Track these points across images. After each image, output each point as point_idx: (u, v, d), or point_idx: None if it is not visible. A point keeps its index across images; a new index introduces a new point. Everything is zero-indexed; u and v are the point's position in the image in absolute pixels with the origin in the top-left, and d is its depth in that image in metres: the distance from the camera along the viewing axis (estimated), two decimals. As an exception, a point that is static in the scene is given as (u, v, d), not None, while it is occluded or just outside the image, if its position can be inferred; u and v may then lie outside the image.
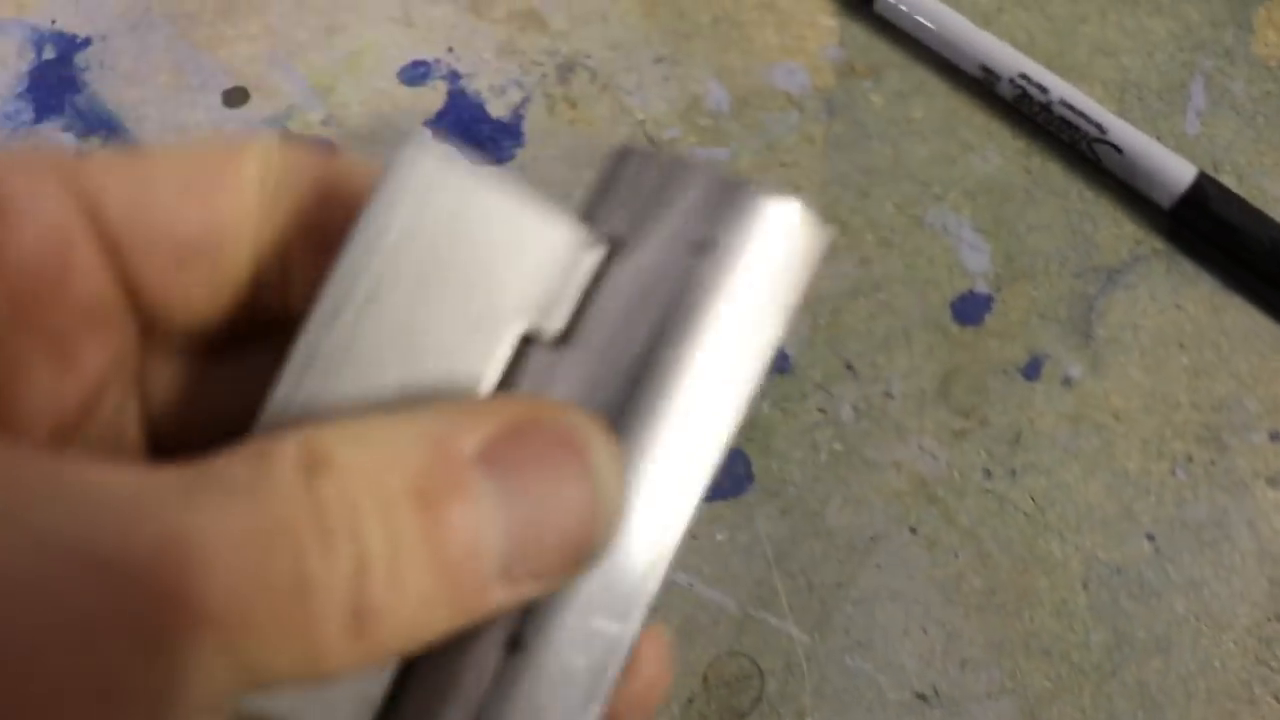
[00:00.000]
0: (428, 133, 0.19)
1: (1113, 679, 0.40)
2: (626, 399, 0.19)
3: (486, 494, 0.17)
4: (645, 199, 0.20)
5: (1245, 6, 0.50)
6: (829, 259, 0.43)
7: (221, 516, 0.16)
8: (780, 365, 0.43)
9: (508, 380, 0.20)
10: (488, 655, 0.19)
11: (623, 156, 0.21)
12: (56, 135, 0.47)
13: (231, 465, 0.16)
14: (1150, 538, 0.42)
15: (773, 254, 0.19)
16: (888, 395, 0.43)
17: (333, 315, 0.19)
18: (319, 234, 0.21)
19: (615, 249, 0.20)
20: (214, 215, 0.21)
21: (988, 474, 0.42)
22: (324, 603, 0.16)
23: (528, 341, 0.20)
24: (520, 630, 0.19)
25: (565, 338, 0.20)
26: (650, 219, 0.20)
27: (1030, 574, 0.41)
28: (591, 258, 0.20)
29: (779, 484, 0.42)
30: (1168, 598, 0.41)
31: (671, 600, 0.40)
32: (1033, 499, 0.42)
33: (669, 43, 0.48)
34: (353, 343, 0.19)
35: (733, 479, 0.42)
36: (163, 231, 0.21)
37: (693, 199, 0.20)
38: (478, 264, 0.19)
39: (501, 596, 0.18)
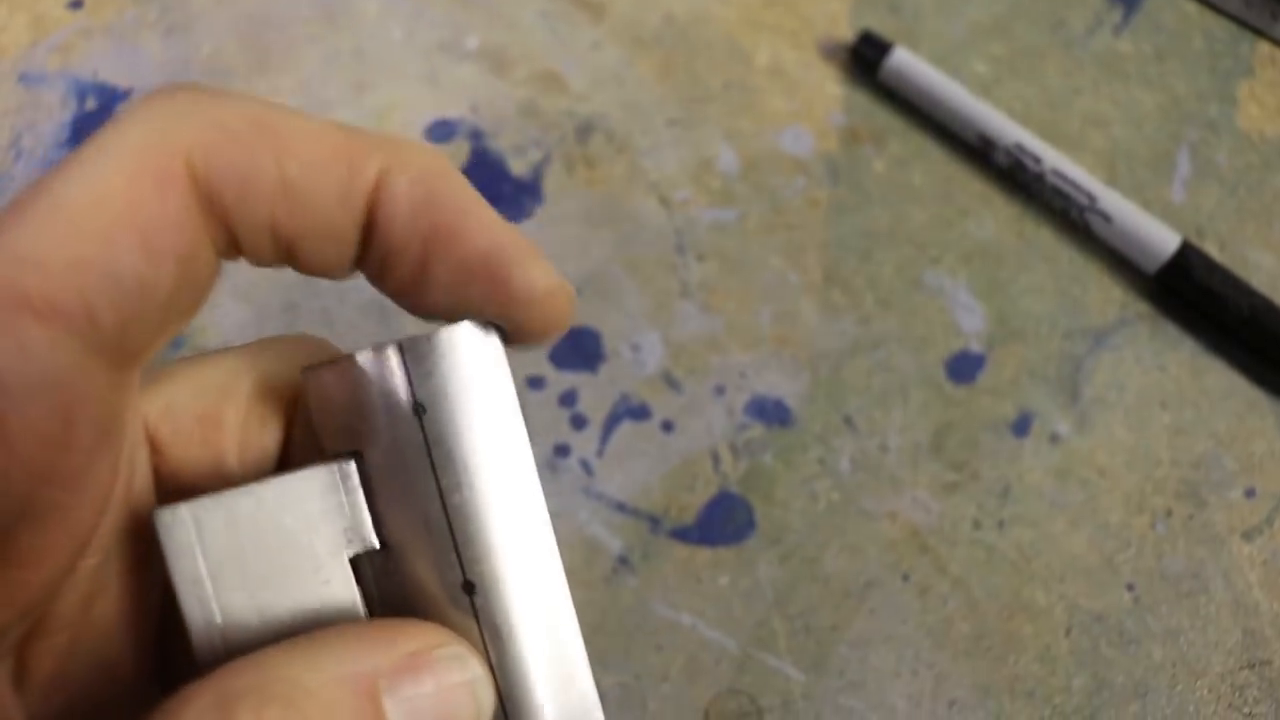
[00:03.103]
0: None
1: (1092, 722, 0.43)
2: (461, 553, 0.23)
3: None
4: (352, 407, 0.23)
5: (1229, 81, 0.53)
6: (831, 318, 0.46)
7: None
8: (782, 418, 0.46)
9: (367, 594, 0.23)
10: None
11: (309, 379, 0.24)
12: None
13: None
14: (1130, 588, 0.44)
15: (471, 373, 0.22)
16: (884, 449, 0.45)
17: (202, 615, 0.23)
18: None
19: (360, 456, 0.23)
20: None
21: (977, 525, 0.45)
22: None
23: (359, 561, 0.23)
24: None
25: (382, 542, 0.23)
26: (367, 418, 0.23)
27: (1016, 620, 0.44)
28: (351, 476, 0.23)
29: (780, 531, 0.44)
30: (1146, 645, 0.43)
31: (676, 640, 0.43)
32: (1019, 549, 0.44)
33: (682, 106, 0.51)
34: (231, 621, 0.23)
35: (736, 527, 0.44)
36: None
37: (386, 379, 0.23)
38: (286, 544, 0.23)
39: None
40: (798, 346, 0.47)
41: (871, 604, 0.44)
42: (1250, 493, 0.46)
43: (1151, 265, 0.48)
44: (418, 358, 0.22)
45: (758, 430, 0.46)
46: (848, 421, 0.46)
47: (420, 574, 0.23)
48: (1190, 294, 0.48)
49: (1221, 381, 0.47)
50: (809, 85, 0.52)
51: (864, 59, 0.51)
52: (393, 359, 0.22)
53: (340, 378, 0.23)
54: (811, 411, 0.46)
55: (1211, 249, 0.49)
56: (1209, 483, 0.46)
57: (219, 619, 0.22)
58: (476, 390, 0.22)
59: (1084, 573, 0.44)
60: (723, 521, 0.44)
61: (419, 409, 0.22)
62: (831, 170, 0.50)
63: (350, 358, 0.23)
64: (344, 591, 0.23)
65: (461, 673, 0.22)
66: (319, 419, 0.24)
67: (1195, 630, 0.44)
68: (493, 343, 0.23)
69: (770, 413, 0.46)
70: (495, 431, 0.23)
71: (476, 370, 0.23)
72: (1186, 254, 0.48)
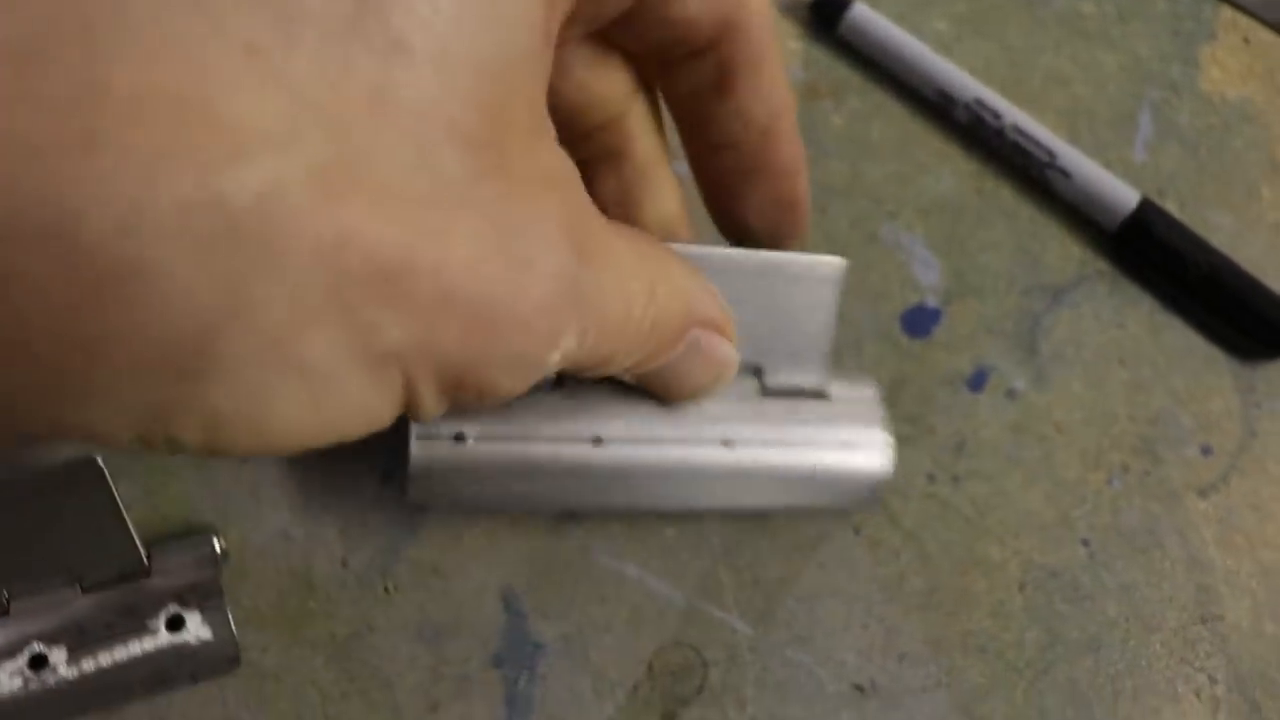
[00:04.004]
0: None
1: (1045, 676, 0.42)
2: None
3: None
4: None
5: (1192, 43, 0.52)
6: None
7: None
8: (734, 369, 0.45)
9: None
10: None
11: None
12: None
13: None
14: (1085, 543, 0.44)
15: None
16: (836, 400, 0.45)
17: None
18: None
19: None
20: None
21: (931, 479, 0.44)
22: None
23: None
24: None
25: None
26: None
27: (969, 575, 0.43)
28: None
29: (729, 482, 0.43)
30: (1100, 600, 0.43)
31: (620, 591, 0.42)
32: (974, 504, 0.44)
33: (639, 60, 0.50)
34: None
35: (683, 474, 0.43)
36: None
37: None
38: None
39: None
40: (751, 299, 0.46)
41: (821, 557, 0.43)
42: (1206, 450, 0.45)
43: (1111, 223, 0.47)
44: None
45: (709, 381, 0.45)
46: (800, 373, 0.45)
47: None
48: (1150, 251, 0.47)
49: (1179, 339, 0.47)
50: (768, 41, 0.51)
51: (823, 14, 0.51)
52: None
53: None
54: (763, 362, 0.45)
55: (1172, 208, 0.48)
56: (1165, 439, 0.45)
57: None
58: None
59: (1039, 528, 0.44)
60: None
61: None
62: (789, 125, 0.49)
63: None
64: None
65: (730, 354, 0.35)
66: None
67: (1149, 586, 0.43)
68: None
69: (722, 364, 0.45)
70: None
71: None
72: (1146, 211, 0.47)
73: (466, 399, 0.25)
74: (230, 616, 0.40)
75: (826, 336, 0.40)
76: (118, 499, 0.38)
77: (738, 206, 0.37)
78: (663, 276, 0.30)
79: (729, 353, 0.34)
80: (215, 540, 0.41)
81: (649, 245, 0.30)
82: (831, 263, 0.39)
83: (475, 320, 0.23)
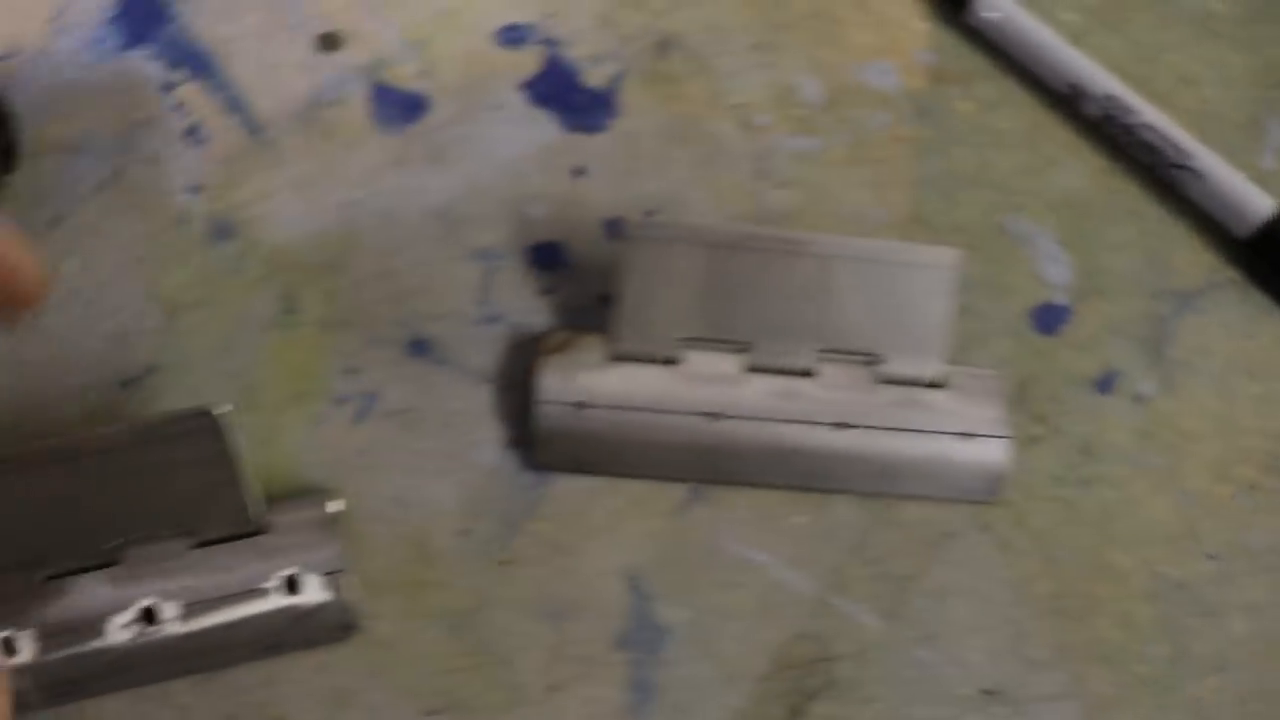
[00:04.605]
0: None
1: (1171, 692, 0.41)
2: None
3: None
4: None
5: (1324, 51, 0.51)
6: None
7: None
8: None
9: None
10: None
11: None
12: (143, 65, 0.46)
13: None
14: (1212, 558, 0.43)
15: None
16: (969, 395, 0.44)
17: None
18: None
19: None
20: None
21: (1058, 481, 0.43)
22: None
23: None
24: None
25: None
26: None
27: (1096, 582, 0.42)
28: None
29: (860, 472, 0.42)
30: (1227, 618, 0.42)
31: (748, 578, 0.41)
32: (1101, 509, 0.43)
33: (765, 31, 0.49)
34: None
35: (821, 462, 0.42)
36: None
37: None
38: None
39: None
40: (879, 285, 0.45)
41: (949, 554, 0.42)
42: (1337, 468, 0.44)
43: (1243, 229, 0.46)
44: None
45: (837, 367, 0.44)
46: (932, 365, 0.44)
47: None
48: (1282, 262, 0.46)
49: (1310, 354, 0.46)
50: (894, 20, 0.50)
51: (955, -2, 0.49)
52: None
53: None
54: (895, 351, 0.44)
55: (1302, 218, 0.47)
56: (1296, 455, 0.44)
57: None
58: None
59: (1165, 539, 0.43)
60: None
61: None
62: (918, 108, 0.48)
63: None
64: None
65: None
66: None
67: (1277, 606, 0.42)
68: None
69: (850, 350, 0.44)
70: None
71: None
72: (1281, 220, 0.46)
73: None
74: (353, 582, 0.39)
75: (943, 327, 0.40)
76: (237, 454, 0.36)
77: None
78: None
79: None
80: (335, 502, 0.39)
81: None
82: (946, 253, 0.40)
83: None
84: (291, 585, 0.38)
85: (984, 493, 0.41)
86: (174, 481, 0.37)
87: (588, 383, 0.40)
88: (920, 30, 0.50)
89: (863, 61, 0.49)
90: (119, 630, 0.37)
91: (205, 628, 0.38)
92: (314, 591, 0.38)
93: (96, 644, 0.37)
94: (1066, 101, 0.49)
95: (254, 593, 0.38)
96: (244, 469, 0.37)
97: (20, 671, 0.37)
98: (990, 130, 0.48)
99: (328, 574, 0.38)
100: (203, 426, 0.36)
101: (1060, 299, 0.45)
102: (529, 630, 0.40)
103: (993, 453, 0.41)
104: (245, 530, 0.38)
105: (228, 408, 0.36)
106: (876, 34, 0.49)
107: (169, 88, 0.46)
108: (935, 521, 0.42)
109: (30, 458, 0.36)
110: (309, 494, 0.39)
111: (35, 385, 0.35)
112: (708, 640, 0.40)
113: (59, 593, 0.37)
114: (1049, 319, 0.45)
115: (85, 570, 0.37)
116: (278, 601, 0.38)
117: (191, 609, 0.37)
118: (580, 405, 0.40)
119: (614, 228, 0.45)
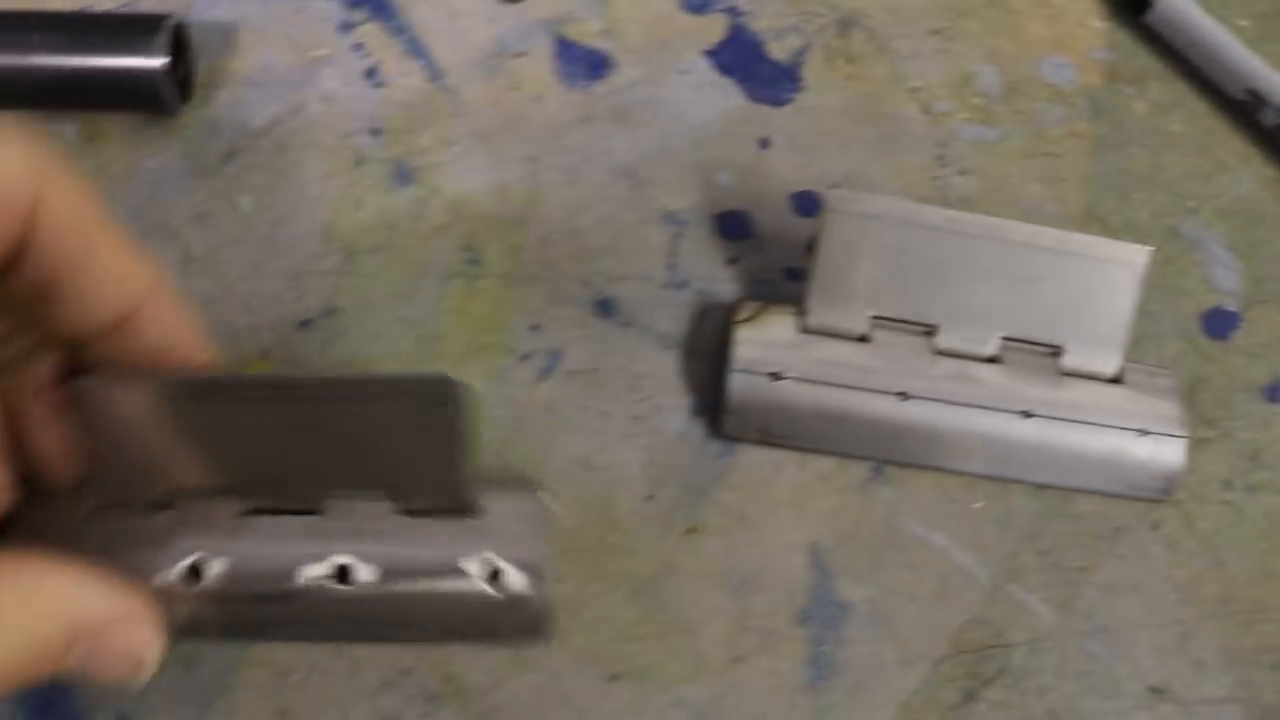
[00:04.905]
0: None
1: (1335, 703, 0.41)
2: None
3: None
4: None
5: None
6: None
7: None
8: (1045, 348, 0.44)
9: None
10: None
11: None
12: (323, 2, 0.46)
13: None
14: (1376, 572, 0.43)
15: None
16: (1146, 394, 0.44)
17: None
18: None
19: None
20: None
21: (1227, 485, 0.43)
22: None
23: None
24: None
25: None
26: None
27: (1264, 588, 0.42)
28: None
29: (1039, 463, 0.42)
30: (1391, 632, 0.42)
31: (927, 559, 0.41)
32: (1269, 516, 0.43)
33: (943, 16, 0.49)
34: None
35: (1011, 450, 0.42)
36: None
37: None
38: None
39: None
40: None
41: (1120, 549, 0.42)
42: None
43: None
44: None
45: (1016, 357, 0.44)
46: (1109, 361, 0.44)
47: None
48: None
49: None
50: (1072, 16, 0.50)
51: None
52: None
53: None
54: (1075, 345, 0.44)
55: None
56: None
57: None
58: None
59: (1329, 549, 0.43)
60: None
61: None
62: (1092, 105, 0.48)
63: None
64: None
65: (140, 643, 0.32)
66: None
67: None
68: None
69: (1027, 341, 0.44)
70: None
71: None
72: None
73: None
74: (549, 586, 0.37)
75: (1126, 324, 0.40)
76: (464, 429, 0.35)
77: None
78: (18, 605, 0.28)
79: (135, 644, 0.31)
80: (549, 500, 0.38)
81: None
82: (1136, 250, 0.40)
83: None
84: (494, 575, 0.37)
85: (1158, 490, 0.41)
86: (393, 442, 0.35)
87: (782, 354, 0.40)
88: (1097, 28, 0.49)
89: (1040, 55, 0.49)
90: (309, 581, 0.37)
91: (397, 596, 0.36)
92: (515, 584, 0.37)
93: (284, 588, 0.36)
94: (1243, 108, 0.49)
95: (454, 572, 0.36)
96: (466, 446, 0.36)
97: (201, 597, 0.36)
98: (1164, 132, 0.48)
99: (530, 570, 0.37)
100: (439, 394, 0.35)
101: (1230, 305, 0.46)
102: (712, 600, 0.39)
103: (1168, 451, 0.41)
104: (454, 507, 0.36)
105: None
106: (1053, 28, 0.49)
107: (348, 27, 0.46)
108: (1107, 516, 0.42)
109: (251, 386, 0.35)
110: (517, 481, 0.38)
111: (207, 322, 0.34)
112: (888, 620, 0.40)
113: (255, 530, 0.36)
114: (1219, 324, 0.45)
115: (284, 513, 0.36)
116: (477, 586, 0.37)
117: (388, 575, 0.36)
118: (774, 376, 0.40)
119: (802, 201, 0.44)
